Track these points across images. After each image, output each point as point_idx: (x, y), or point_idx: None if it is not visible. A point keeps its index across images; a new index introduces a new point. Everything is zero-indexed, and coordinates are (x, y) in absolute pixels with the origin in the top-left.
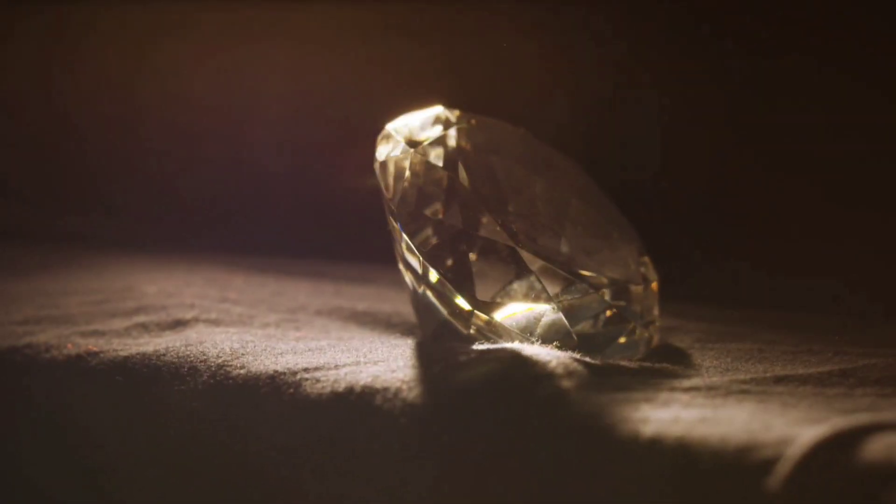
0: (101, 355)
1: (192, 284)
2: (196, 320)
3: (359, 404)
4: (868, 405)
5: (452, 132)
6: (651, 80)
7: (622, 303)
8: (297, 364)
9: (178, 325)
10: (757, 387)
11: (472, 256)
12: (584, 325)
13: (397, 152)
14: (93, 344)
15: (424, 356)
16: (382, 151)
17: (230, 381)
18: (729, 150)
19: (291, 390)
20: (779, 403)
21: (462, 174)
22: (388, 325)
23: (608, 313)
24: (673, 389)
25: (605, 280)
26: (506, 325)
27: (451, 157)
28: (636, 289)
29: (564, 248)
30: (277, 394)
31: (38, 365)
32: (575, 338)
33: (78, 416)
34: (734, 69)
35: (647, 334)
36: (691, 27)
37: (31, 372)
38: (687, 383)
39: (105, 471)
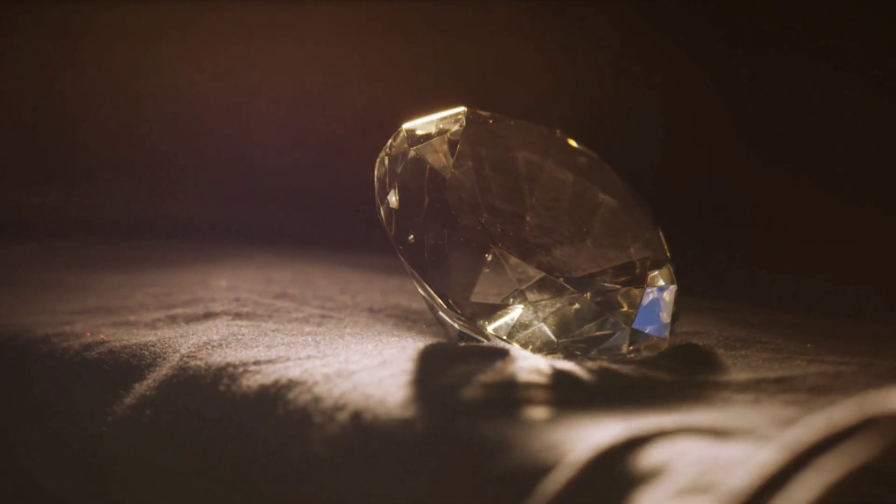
0: (107, 344)
1: (270, 281)
2: (225, 313)
3: (276, 396)
4: (734, 411)
5: (459, 132)
6: (651, 80)
7: (623, 308)
8: (252, 357)
9: (205, 317)
10: (666, 390)
11: (458, 261)
12: (584, 330)
13: (398, 151)
14: (110, 333)
15: (380, 354)
16: (386, 150)
17: (181, 371)
18: (730, 149)
19: (228, 381)
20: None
21: (457, 176)
22: (429, 323)
23: (606, 318)
24: (578, 392)
25: (608, 286)
26: (493, 332)
27: (446, 158)
28: (638, 293)
29: (571, 254)
30: (215, 384)
31: (57, 351)
32: (558, 344)
33: (69, 399)
34: (736, 69)
35: (653, 339)
36: (692, 27)
37: (50, 357)
38: (609, 384)
39: (83, 452)
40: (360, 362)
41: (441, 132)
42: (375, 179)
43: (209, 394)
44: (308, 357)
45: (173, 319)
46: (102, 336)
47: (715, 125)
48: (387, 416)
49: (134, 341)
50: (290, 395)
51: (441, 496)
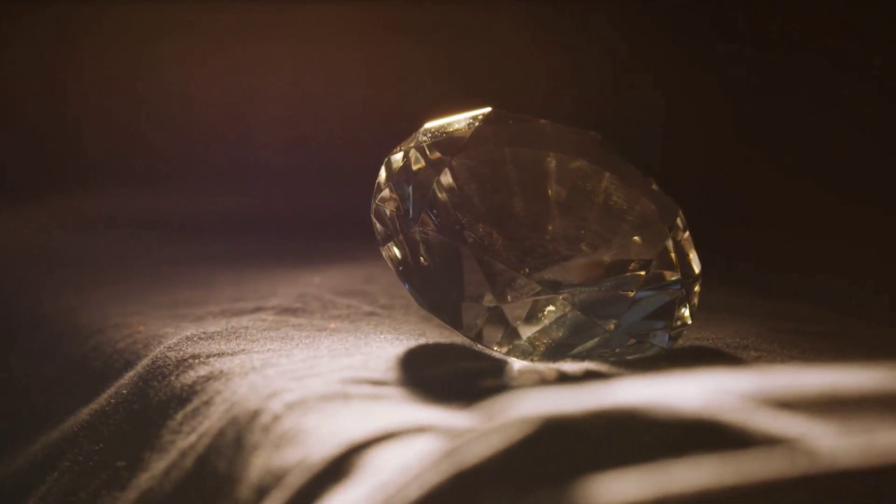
0: (137, 335)
1: (369, 280)
2: (273, 308)
3: (202, 388)
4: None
5: (476, 132)
6: (652, 80)
7: (610, 313)
8: (219, 349)
9: (251, 311)
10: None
11: (444, 265)
12: (576, 334)
13: (402, 150)
14: (151, 324)
15: (319, 350)
16: (397, 150)
17: (153, 361)
18: (730, 147)
19: (180, 370)
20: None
21: (460, 178)
22: None
23: (595, 323)
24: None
25: (597, 290)
26: (474, 338)
27: (441, 160)
28: (627, 297)
29: (585, 262)
30: (168, 374)
31: (102, 340)
32: (541, 348)
33: (82, 383)
34: (737, 69)
35: (648, 343)
36: (693, 25)
37: (98, 346)
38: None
39: (71, 430)
40: (293, 356)
41: (458, 132)
42: (378, 178)
43: (159, 383)
44: (267, 350)
45: (221, 313)
46: (141, 327)
47: (715, 125)
48: (243, 406)
49: (156, 332)
50: (211, 387)
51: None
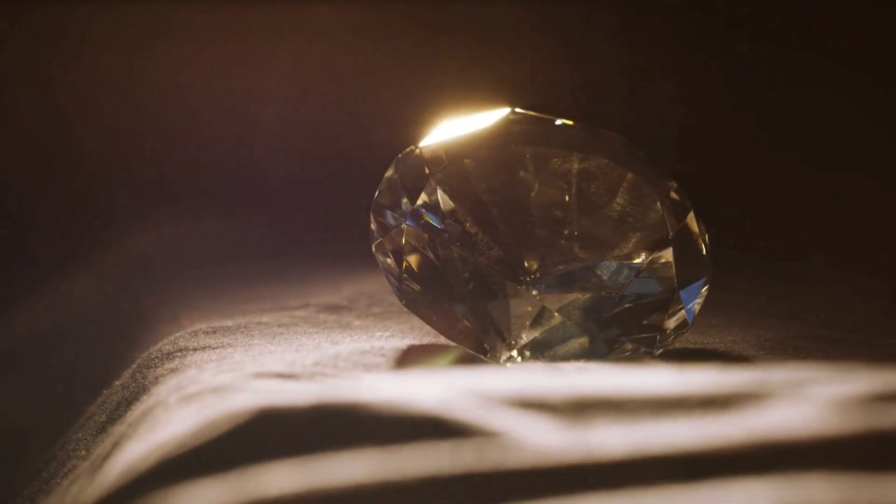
0: (180, 328)
1: None
2: (315, 305)
3: (165, 378)
4: None
5: (483, 133)
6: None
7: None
8: (206, 344)
9: (293, 308)
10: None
11: (433, 267)
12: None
13: (412, 149)
14: (197, 318)
15: (286, 347)
16: (408, 150)
17: (152, 353)
18: (744, 143)
19: (160, 364)
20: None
21: (455, 179)
22: None
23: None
24: None
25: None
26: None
27: (449, 160)
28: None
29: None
30: (152, 367)
31: (154, 332)
32: (518, 353)
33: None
34: (749, 65)
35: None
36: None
37: (146, 337)
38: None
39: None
40: (250, 352)
41: (474, 131)
42: (384, 176)
43: (141, 375)
44: (246, 345)
45: (263, 311)
46: (186, 322)
47: (729, 123)
48: (157, 398)
49: (193, 327)
50: (166, 379)
51: None
